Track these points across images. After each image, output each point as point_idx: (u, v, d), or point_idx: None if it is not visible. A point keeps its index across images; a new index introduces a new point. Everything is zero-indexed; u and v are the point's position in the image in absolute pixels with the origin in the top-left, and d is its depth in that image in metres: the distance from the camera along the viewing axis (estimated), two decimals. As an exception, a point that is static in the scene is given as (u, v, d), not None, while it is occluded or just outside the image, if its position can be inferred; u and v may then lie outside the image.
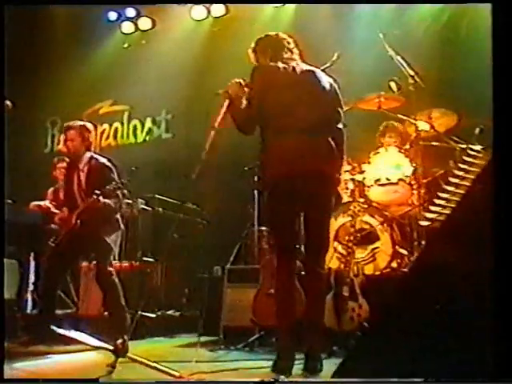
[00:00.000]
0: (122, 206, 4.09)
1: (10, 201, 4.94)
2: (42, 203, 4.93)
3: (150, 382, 4.24)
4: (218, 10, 6.81)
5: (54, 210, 4.78)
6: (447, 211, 2.41)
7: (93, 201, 3.79)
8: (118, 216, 4.06)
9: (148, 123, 7.33)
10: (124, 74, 7.08)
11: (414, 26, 5.12)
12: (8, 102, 3.98)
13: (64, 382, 4.28)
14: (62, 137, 4.44)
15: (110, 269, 3.92)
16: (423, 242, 4.21)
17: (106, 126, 7.48)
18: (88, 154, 4.15)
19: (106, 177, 3.93)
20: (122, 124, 7.47)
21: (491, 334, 1.96)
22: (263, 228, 5.15)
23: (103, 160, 4.12)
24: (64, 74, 7.31)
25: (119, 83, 7.10)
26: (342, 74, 4.49)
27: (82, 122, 4.28)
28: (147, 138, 7.32)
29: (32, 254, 4.83)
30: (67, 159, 5.23)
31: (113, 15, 7.18)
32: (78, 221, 3.92)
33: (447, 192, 2.52)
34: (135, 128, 7.43)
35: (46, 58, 7.30)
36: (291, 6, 6.40)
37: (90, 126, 4.30)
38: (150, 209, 5.46)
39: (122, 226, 4.11)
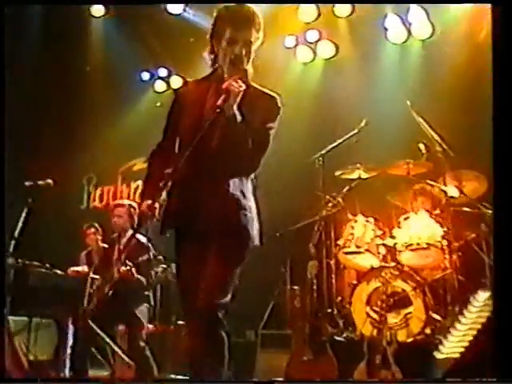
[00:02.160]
0: (153, 279, 4.26)
1: (48, 265, 5.12)
2: (80, 269, 5.06)
3: (150, 382, 4.28)
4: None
5: (92, 275, 4.91)
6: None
7: (126, 274, 3.97)
8: (150, 292, 4.24)
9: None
10: (157, 132, 7.26)
11: (441, 93, 5.19)
12: (50, 181, 4.21)
13: (64, 381, 4.35)
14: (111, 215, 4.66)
15: (142, 336, 4.09)
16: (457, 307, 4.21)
17: (139, 182, 7.65)
18: (131, 232, 4.37)
19: (143, 256, 4.13)
20: (156, 180, 7.61)
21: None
22: (295, 287, 5.21)
23: (143, 240, 4.29)
24: (99, 132, 7.56)
25: (152, 141, 7.29)
26: (369, 140, 4.60)
27: (129, 202, 4.60)
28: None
29: (70, 318, 4.97)
30: (96, 225, 5.45)
31: (146, 75, 7.43)
32: (111, 291, 4.11)
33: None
34: (168, 183, 7.56)
35: (81, 116, 7.56)
36: (320, 65, 6.54)
37: (135, 204, 4.56)
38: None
39: (152, 300, 4.28)
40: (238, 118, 2.30)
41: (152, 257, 4.17)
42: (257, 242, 2.43)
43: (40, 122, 7.36)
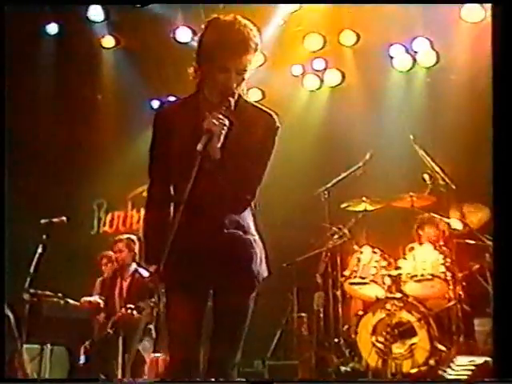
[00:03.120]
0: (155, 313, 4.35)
1: (60, 294, 5.22)
2: (92, 299, 5.14)
3: (150, 382, 4.34)
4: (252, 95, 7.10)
5: (102, 305, 5.00)
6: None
7: (127, 314, 4.05)
8: (152, 326, 4.32)
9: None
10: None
11: (444, 124, 5.27)
12: (64, 218, 4.35)
13: (64, 381, 4.42)
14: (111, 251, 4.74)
15: (144, 371, 4.18)
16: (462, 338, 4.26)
17: (149, 208, 7.75)
18: (133, 266, 4.44)
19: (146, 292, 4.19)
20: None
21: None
22: (303, 314, 5.28)
23: (146, 275, 4.37)
24: (110, 159, 7.68)
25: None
26: (374, 172, 4.68)
27: (128, 235, 4.62)
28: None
29: (82, 347, 5.07)
30: (111, 254, 5.55)
31: (156, 103, 7.57)
32: (112, 329, 4.20)
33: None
34: (176, 210, 7.65)
35: (92, 143, 7.70)
36: (326, 93, 6.64)
37: (135, 238, 4.61)
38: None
39: (154, 334, 4.35)
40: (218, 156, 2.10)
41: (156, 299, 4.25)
42: (265, 273, 2.30)
43: (52, 149, 7.50)
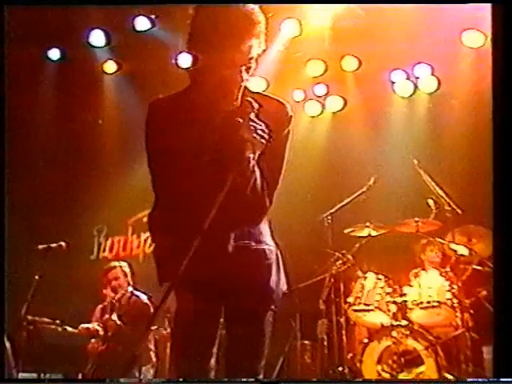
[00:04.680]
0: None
1: (58, 321, 5.13)
2: (90, 326, 5.05)
3: (151, 382, 4.24)
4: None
5: (101, 332, 4.91)
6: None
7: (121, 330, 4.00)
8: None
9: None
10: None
11: (447, 149, 5.26)
12: (62, 243, 4.30)
13: (65, 381, 4.30)
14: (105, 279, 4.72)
15: None
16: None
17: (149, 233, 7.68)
18: (130, 289, 4.42)
19: (143, 315, 4.17)
20: (166, 230, 7.67)
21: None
22: (306, 342, 5.19)
23: (143, 297, 4.33)
24: (110, 183, 7.64)
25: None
26: (378, 197, 4.64)
27: (118, 263, 4.68)
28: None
29: (80, 374, 4.96)
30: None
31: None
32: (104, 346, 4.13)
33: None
34: (178, 234, 7.61)
35: (93, 167, 7.67)
36: (327, 117, 6.63)
37: (124, 263, 4.65)
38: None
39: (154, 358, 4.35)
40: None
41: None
42: (285, 287, 2.10)
43: (52, 174, 7.46)
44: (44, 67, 6.95)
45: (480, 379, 3.77)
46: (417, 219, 4.59)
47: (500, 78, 2.48)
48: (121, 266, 4.72)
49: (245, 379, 2.10)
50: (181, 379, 2.11)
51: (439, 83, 5.99)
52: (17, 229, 6.27)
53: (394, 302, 4.51)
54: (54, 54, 6.74)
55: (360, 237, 4.93)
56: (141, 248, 7.32)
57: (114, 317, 4.23)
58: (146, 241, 7.66)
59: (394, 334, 4.19)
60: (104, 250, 7.76)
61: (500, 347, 2.32)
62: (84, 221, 7.74)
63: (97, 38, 6.51)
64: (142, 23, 6.37)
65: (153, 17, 6.40)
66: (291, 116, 2.06)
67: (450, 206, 4.37)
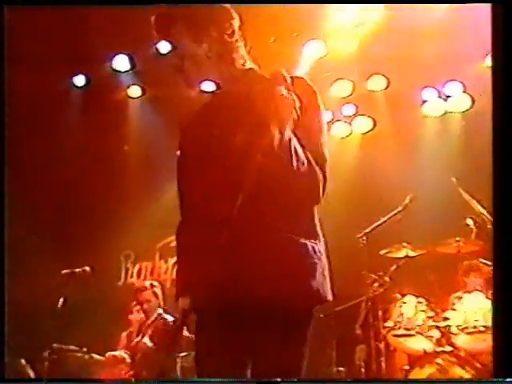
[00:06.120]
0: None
1: (85, 349, 4.98)
2: (117, 354, 4.89)
3: (151, 382, 4.07)
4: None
5: (129, 360, 4.75)
6: None
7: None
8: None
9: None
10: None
11: (487, 165, 5.06)
12: (87, 268, 4.21)
13: (66, 381, 4.11)
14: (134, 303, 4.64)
15: None
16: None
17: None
18: (159, 311, 4.35)
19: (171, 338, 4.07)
20: (193, 256, 7.56)
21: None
22: (341, 369, 4.96)
23: (170, 319, 4.25)
24: (137, 209, 7.57)
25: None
26: (415, 217, 4.46)
27: (150, 281, 4.63)
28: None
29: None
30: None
31: (182, 153, 7.51)
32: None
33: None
34: (204, 259, 7.50)
35: (119, 194, 7.61)
36: (356, 138, 6.50)
37: (156, 283, 4.59)
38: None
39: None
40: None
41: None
42: (329, 296, 1.90)
43: (79, 200, 7.42)
44: (70, 94, 6.98)
45: (480, 379, 3.63)
46: (457, 239, 4.39)
47: (500, 78, 2.47)
48: (152, 286, 4.61)
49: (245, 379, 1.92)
50: (181, 379, 2.02)
51: (473, 101, 5.83)
52: (43, 253, 6.26)
53: (437, 327, 4.28)
54: (79, 80, 6.78)
55: (397, 258, 4.74)
56: (168, 273, 7.19)
57: (146, 339, 4.08)
58: (173, 266, 7.54)
59: (439, 361, 3.95)
60: (131, 276, 7.67)
61: (500, 347, 2.26)
62: (111, 246, 7.66)
63: (121, 62, 6.53)
64: (165, 46, 6.35)
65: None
66: (316, 91, 1.96)
67: (492, 224, 4.15)
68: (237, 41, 2.06)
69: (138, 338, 4.67)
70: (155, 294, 4.64)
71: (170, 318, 4.60)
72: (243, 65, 2.07)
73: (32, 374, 4.79)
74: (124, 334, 5.30)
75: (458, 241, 4.40)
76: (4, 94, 3.40)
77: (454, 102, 5.92)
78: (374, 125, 6.36)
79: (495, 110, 2.53)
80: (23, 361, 4.70)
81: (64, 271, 4.47)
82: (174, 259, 7.47)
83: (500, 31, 2.46)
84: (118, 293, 7.11)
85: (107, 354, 4.86)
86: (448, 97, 5.99)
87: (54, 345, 4.58)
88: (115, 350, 4.99)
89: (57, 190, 7.01)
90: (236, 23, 2.06)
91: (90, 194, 7.42)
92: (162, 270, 7.31)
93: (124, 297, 5.99)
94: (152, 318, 4.57)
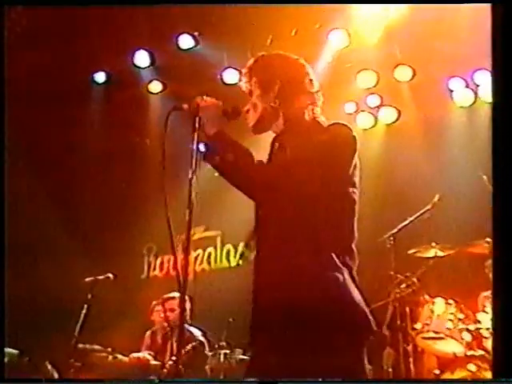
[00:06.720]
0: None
1: (109, 349, 4.96)
2: (141, 355, 4.87)
3: (151, 382, 4.06)
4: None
5: (152, 361, 4.73)
6: None
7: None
8: None
9: (240, 247, 7.36)
10: (215, 201, 7.21)
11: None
12: (110, 275, 4.17)
13: (66, 381, 4.12)
14: (161, 308, 4.58)
15: None
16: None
17: (199, 251, 7.56)
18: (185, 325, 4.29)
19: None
20: (216, 249, 7.56)
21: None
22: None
23: (196, 333, 4.19)
24: (159, 202, 7.53)
25: (211, 210, 7.23)
26: (444, 216, 4.30)
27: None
28: (240, 262, 7.33)
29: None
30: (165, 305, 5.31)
31: (201, 146, 7.43)
32: None
33: None
34: (228, 253, 7.49)
35: (142, 187, 7.59)
36: (381, 129, 6.33)
37: (186, 297, 4.49)
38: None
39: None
40: None
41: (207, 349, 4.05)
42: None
43: (102, 195, 7.43)
44: (91, 90, 6.95)
45: (480, 379, 3.55)
46: (488, 239, 4.23)
47: (500, 79, 2.47)
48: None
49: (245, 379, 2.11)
50: (181, 379, 2.15)
51: (503, 90, 5.61)
52: (72, 253, 6.30)
53: (468, 330, 4.15)
54: (100, 77, 6.75)
55: (426, 258, 4.60)
56: (192, 267, 7.17)
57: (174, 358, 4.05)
58: (196, 259, 7.53)
59: (472, 367, 3.82)
60: (154, 269, 7.69)
61: (500, 347, 2.26)
62: (133, 239, 7.68)
63: (141, 58, 6.47)
64: (185, 41, 6.28)
65: (196, 34, 6.31)
66: (355, 138, 2.21)
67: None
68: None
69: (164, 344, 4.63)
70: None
71: (196, 332, 4.52)
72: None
73: (56, 376, 4.80)
74: (147, 333, 5.28)
75: (488, 242, 4.24)
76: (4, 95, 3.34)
77: (484, 91, 5.71)
78: (399, 115, 6.21)
79: (495, 110, 2.56)
80: (47, 363, 4.71)
81: (87, 279, 4.46)
82: (197, 252, 7.43)
83: (500, 31, 2.45)
84: (141, 286, 7.17)
85: (131, 355, 4.83)
86: (477, 86, 5.79)
87: (80, 345, 4.56)
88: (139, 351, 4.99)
89: (79, 188, 7.04)
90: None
91: (113, 189, 7.44)
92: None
93: (148, 289, 5.98)
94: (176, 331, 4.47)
